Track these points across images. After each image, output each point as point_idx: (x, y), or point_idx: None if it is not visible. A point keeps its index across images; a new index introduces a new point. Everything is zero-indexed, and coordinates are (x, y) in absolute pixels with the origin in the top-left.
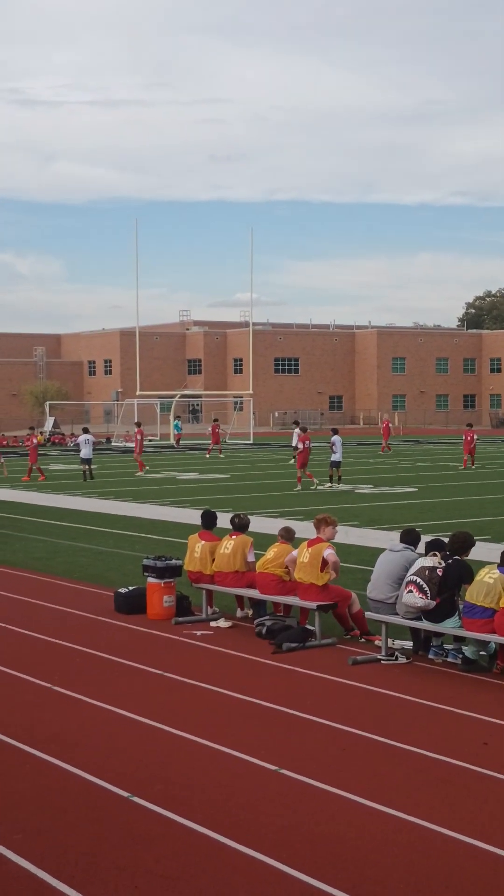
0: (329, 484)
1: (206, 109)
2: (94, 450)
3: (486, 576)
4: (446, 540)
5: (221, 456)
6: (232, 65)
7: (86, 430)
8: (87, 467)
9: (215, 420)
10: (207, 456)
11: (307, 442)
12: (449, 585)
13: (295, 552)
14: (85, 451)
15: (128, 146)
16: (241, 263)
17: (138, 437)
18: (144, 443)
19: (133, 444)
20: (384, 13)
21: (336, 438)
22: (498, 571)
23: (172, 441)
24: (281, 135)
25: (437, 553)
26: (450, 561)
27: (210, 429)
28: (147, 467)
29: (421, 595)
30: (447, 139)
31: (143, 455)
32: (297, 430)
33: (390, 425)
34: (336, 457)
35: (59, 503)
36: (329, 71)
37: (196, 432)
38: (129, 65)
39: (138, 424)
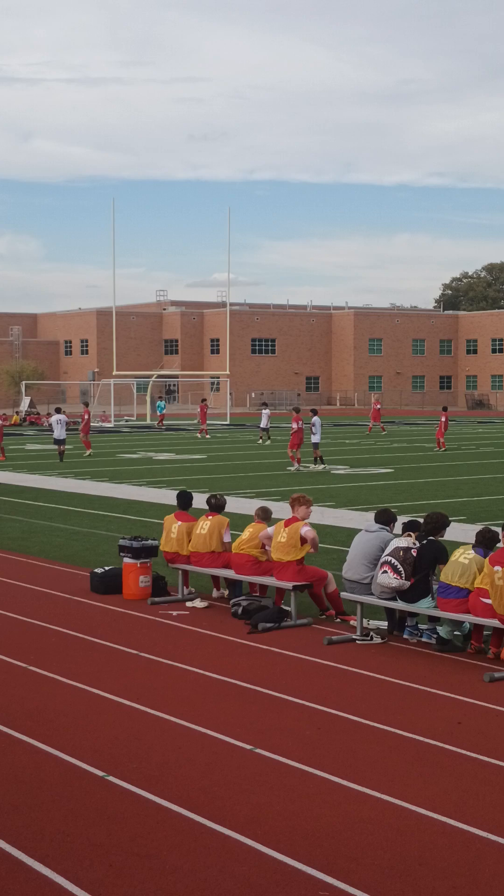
0: (322, 465)
1: (185, 88)
2: (67, 430)
3: (462, 556)
4: (422, 521)
5: (208, 437)
6: (211, 43)
7: (58, 410)
8: (60, 448)
9: (203, 400)
10: (199, 436)
11: (300, 422)
12: (423, 566)
13: (270, 529)
14: (58, 432)
15: (106, 124)
16: (218, 243)
17: (85, 416)
18: (111, 424)
19: (107, 424)
20: None
21: (316, 419)
22: (473, 552)
23: (152, 421)
24: (260, 114)
25: (411, 533)
26: (424, 541)
27: (199, 409)
28: (91, 450)
29: (395, 575)
30: (426, 119)
31: (92, 435)
32: (265, 411)
33: (379, 406)
34: (316, 438)
35: (35, 483)
36: (308, 50)
37: (173, 412)
38: (107, 42)
39: (85, 404)
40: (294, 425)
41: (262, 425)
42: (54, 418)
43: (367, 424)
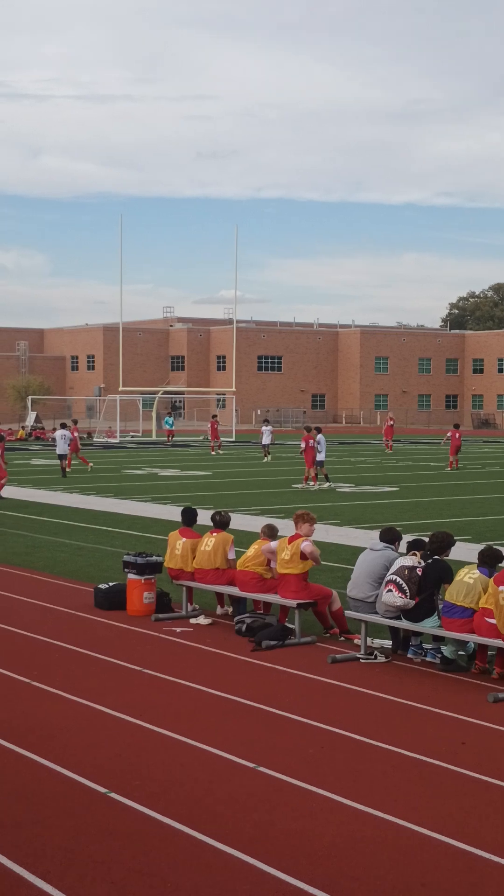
0: (328, 483)
1: (194, 105)
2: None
3: (466, 576)
4: (427, 540)
5: (221, 452)
6: (220, 61)
7: (63, 426)
8: (62, 463)
9: (214, 416)
10: (212, 453)
11: (311, 441)
12: (428, 585)
13: (274, 544)
14: (60, 447)
15: (114, 141)
16: (226, 261)
17: (74, 434)
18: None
19: (112, 440)
20: (374, 11)
21: (320, 437)
22: (478, 572)
23: (158, 437)
24: (268, 132)
25: (416, 552)
26: (429, 560)
27: (209, 425)
28: (92, 463)
29: (400, 594)
30: (435, 139)
31: (83, 452)
32: (267, 429)
33: (393, 425)
34: (321, 456)
35: (40, 498)
36: (318, 68)
37: (179, 429)
38: (117, 59)
39: (74, 422)
40: (304, 444)
41: (263, 442)
42: (58, 433)
43: (384, 442)
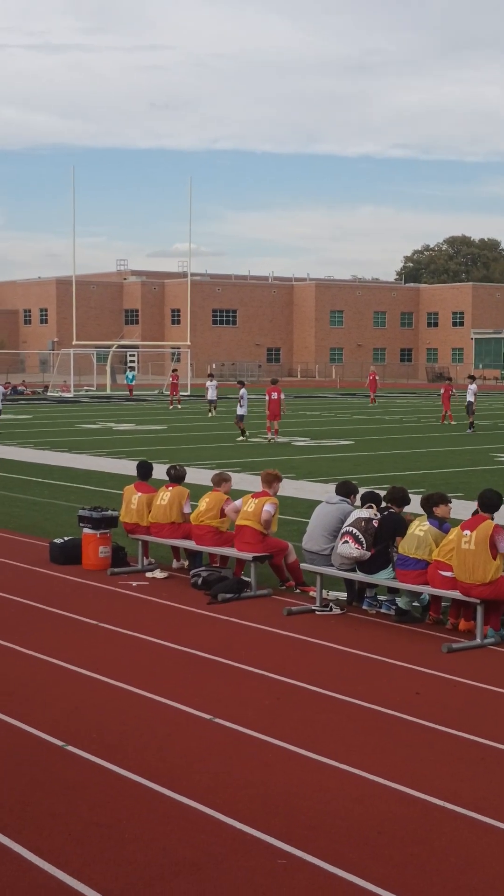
0: (241, 438)
1: (148, 56)
2: (3, 401)
3: (417, 528)
4: (382, 493)
5: (180, 406)
6: (174, 11)
7: None
8: None
9: (174, 370)
10: (170, 407)
11: (279, 393)
12: (383, 537)
13: (238, 502)
14: None
15: (68, 92)
16: (180, 213)
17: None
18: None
19: (66, 394)
20: None
21: (243, 392)
22: (428, 524)
23: (112, 391)
24: (223, 83)
25: (373, 505)
26: (385, 513)
27: (170, 378)
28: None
29: (356, 545)
30: (389, 91)
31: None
32: (212, 384)
33: (377, 377)
34: (241, 410)
35: None
36: (273, 19)
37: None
38: (69, 9)
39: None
40: (275, 395)
41: (208, 397)
42: None
43: (370, 396)
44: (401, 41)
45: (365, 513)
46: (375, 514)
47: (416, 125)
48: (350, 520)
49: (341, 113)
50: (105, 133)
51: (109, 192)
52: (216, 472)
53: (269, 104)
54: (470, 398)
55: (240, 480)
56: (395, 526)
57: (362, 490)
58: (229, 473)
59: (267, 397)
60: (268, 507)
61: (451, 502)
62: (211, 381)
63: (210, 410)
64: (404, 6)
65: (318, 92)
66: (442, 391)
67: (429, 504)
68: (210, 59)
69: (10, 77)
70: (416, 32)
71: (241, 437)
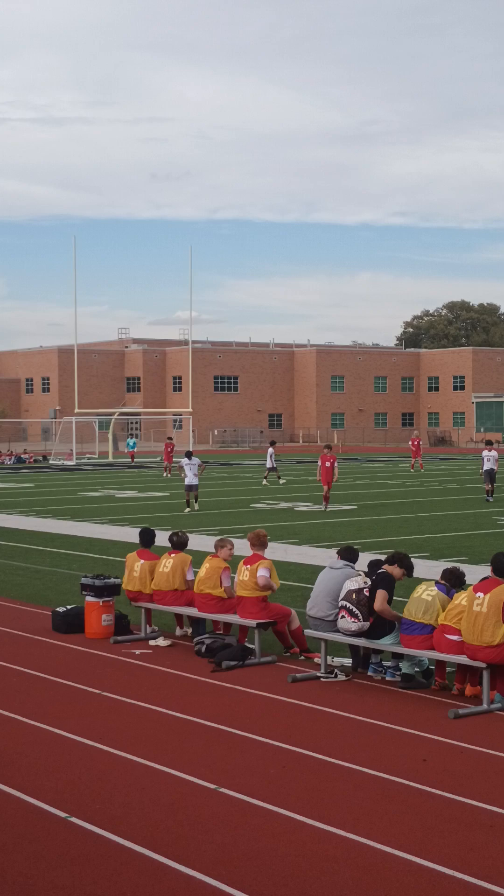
0: (188, 509)
1: (149, 128)
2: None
3: (424, 593)
4: (382, 557)
5: (169, 475)
6: (175, 83)
7: None
8: None
9: (169, 438)
10: (165, 474)
11: (332, 462)
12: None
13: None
14: None
15: (70, 164)
16: (181, 282)
17: None
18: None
19: (69, 462)
20: (327, 35)
21: (194, 460)
22: (436, 588)
23: (114, 458)
24: (223, 154)
25: (361, 572)
26: (374, 577)
27: (164, 447)
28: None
29: (353, 619)
30: (388, 160)
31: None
32: (271, 450)
33: (421, 442)
34: (188, 480)
35: None
36: (272, 91)
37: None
38: (72, 82)
39: None
40: (325, 464)
41: (269, 465)
42: None
43: (411, 461)
44: (399, 111)
45: (353, 584)
46: (365, 582)
47: (414, 193)
48: (342, 593)
49: (341, 182)
50: (107, 204)
51: (111, 261)
52: (219, 538)
53: (268, 174)
54: (490, 465)
55: (242, 547)
56: (378, 585)
57: (366, 556)
58: (231, 540)
59: (320, 464)
60: (261, 572)
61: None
62: (271, 447)
63: (269, 479)
64: (402, 77)
65: (317, 161)
66: (412, 442)
67: (454, 580)
68: (210, 130)
69: (13, 149)
70: (414, 102)
71: (187, 509)
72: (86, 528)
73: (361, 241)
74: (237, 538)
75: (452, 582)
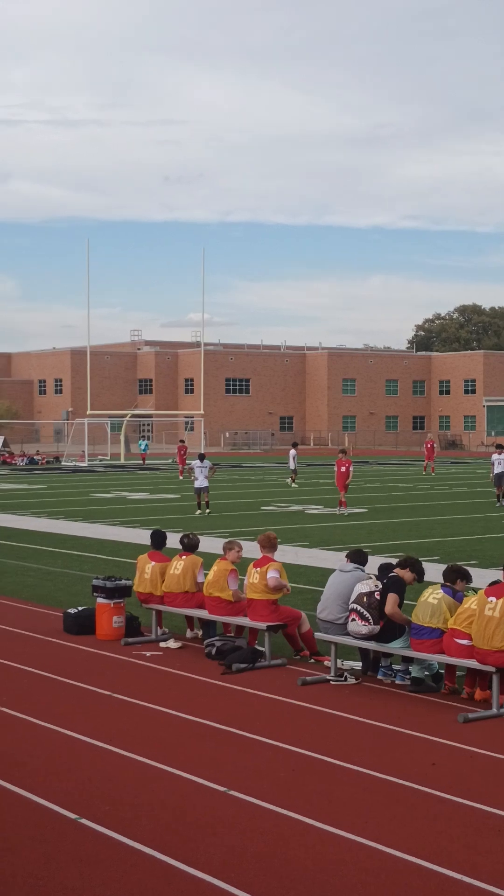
0: (199, 511)
1: (162, 130)
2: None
3: (430, 596)
4: (394, 561)
5: (181, 478)
6: (188, 86)
7: None
8: None
9: (181, 441)
10: (181, 477)
11: (347, 466)
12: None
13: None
14: None
15: (83, 166)
16: (193, 284)
17: None
18: (85, 463)
19: (81, 464)
20: (339, 38)
21: (205, 462)
22: (442, 591)
23: (126, 460)
24: (236, 156)
25: (372, 576)
26: (385, 581)
27: (177, 449)
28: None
29: (364, 623)
30: (400, 163)
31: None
32: (293, 452)
33: (435, 445)
34: (199, 483)
35: (7, 523)
36: (284, 94)
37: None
38: (86, 85)
39: None
40: (340, 469)
41: (291, 466)
42: None
43: (424, 464)
44: (411, 114)
45: (364, 587)
46: (376, 585)
47: (426, 196)
48: (353, 596)
49: (353, 184)
50: (119, 206)
51: (124, 263)
52: (227, 540)
53: (281, 176)
54: (501, 469)
55: (252, 549)
56: (391, 588)
57: (376, 559)
58: (239, 542)
59: (336, 469)
60: (271, 574)
61: (471, 581)
62: (292, 449)
63: (292, 481)
64: (414, 79)
65: (329, 164)
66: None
67: (453, 575)
68: (223, 132)
69: (27, 151)
70: (426, 105)
71: (197, 511)
72: (97, 529)
73: (373, 244)
74: (248, 541)
75: (455, 578)
